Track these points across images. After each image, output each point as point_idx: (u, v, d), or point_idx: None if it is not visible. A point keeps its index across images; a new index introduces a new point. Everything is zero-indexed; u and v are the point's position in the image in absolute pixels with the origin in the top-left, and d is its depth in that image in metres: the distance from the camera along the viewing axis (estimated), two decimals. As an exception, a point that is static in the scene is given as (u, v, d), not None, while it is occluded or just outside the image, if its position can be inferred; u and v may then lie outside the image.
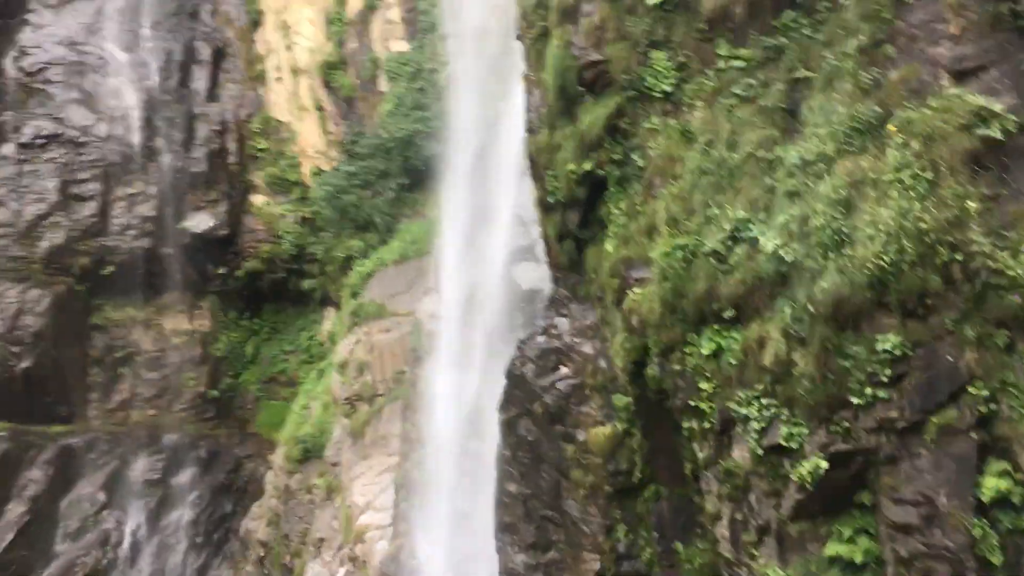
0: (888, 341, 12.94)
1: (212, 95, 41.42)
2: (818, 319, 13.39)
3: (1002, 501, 12.47)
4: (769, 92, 15.36)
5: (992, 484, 12.42)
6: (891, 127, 13.81)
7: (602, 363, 18.29)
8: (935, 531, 12.54)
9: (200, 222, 39.80)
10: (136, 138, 39.45)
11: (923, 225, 12.81)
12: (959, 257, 12.75)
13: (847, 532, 13.63)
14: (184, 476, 39.10)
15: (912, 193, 13.14)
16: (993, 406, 12.62)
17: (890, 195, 13.31)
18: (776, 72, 15.47)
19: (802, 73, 15.10)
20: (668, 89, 16.57)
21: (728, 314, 14.54)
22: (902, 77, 13.93)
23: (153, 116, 39.96)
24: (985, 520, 12.43)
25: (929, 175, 13.17)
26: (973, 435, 12.62)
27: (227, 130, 41.05)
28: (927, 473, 12.70)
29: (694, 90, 16.31)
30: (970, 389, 12.65)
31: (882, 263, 12.90)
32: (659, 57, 16.69)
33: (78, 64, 39.78)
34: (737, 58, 15.84)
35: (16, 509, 35.59)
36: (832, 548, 13.66)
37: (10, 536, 34.89)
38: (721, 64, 16.00)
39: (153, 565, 37.44)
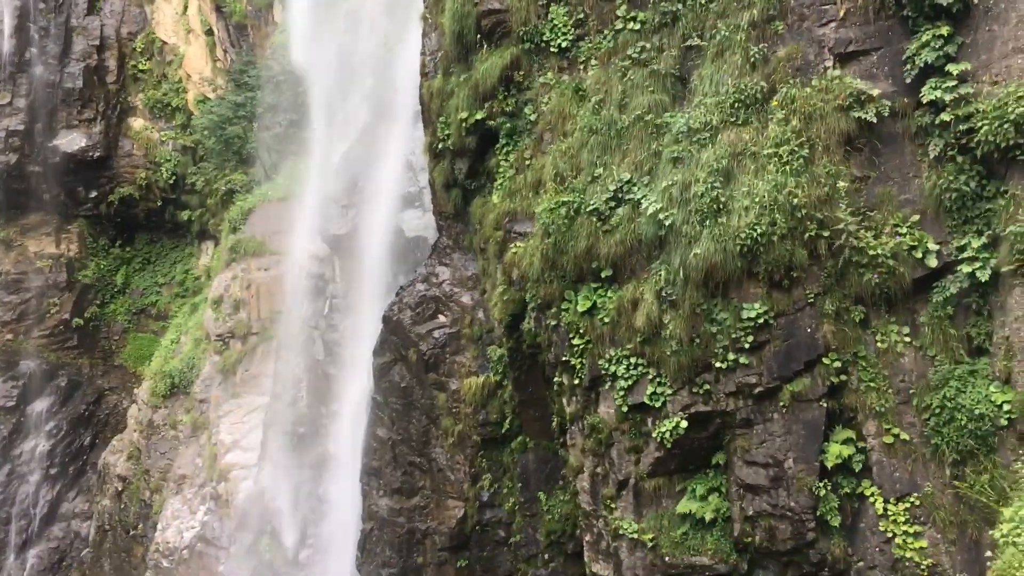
0: (753, 310, 13.43)
1: (92, 8, 39.10)
2: (690, 284, 13.77)
3: (844, 467, 13.23)
4: (662, 57, 15.52)
5: (836, 451, 13.13)
6: (775, 103, 14.21)
7: (480, 314, 18.37)
8: (781, 492, 13.19)
9: (72, 141, 37.72)
10: (6, 46, 36.96)
11: (795, 200, 13.28)
12: (826, 233, 13.31)
13: (700, 490, 14.20)
14: (41, 404, 37.52)
15: (788, 168, 13.59)
16: (844, 377, 13.32)
17: (768, 169, 13.74)
18: (671, 38, 15.63)
19: (695, 42, 15.30)
20: (565, 45, 16.55)
21: (605, 273, 14.78)
22: (789, 54, 14.31)
23: (26, 24, 37.48)
24: (828, 483, 13.17)
25: (806, 152, 13.65)
26: (823, 403, 13.29)
27: (107, 46, 38.89)
28: (778, 437, 13.31)
29: (590, 48, 16.34)
30: (824, 360, 13.30)
31: (754, 234, 13.33)
32: (558, 12, 16.63)
33: (-56, -40, 36.92)
34: (634, 20, 15.92)
35: None
36: (685, 505, 14.21)
37: None
38: (619, 25, 16.06)
39: (2, 493, 35.95)
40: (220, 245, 34.01)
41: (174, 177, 38.60)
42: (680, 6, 15.61)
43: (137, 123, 39.47)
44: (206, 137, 35.59)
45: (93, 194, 38.65)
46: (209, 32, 39.10)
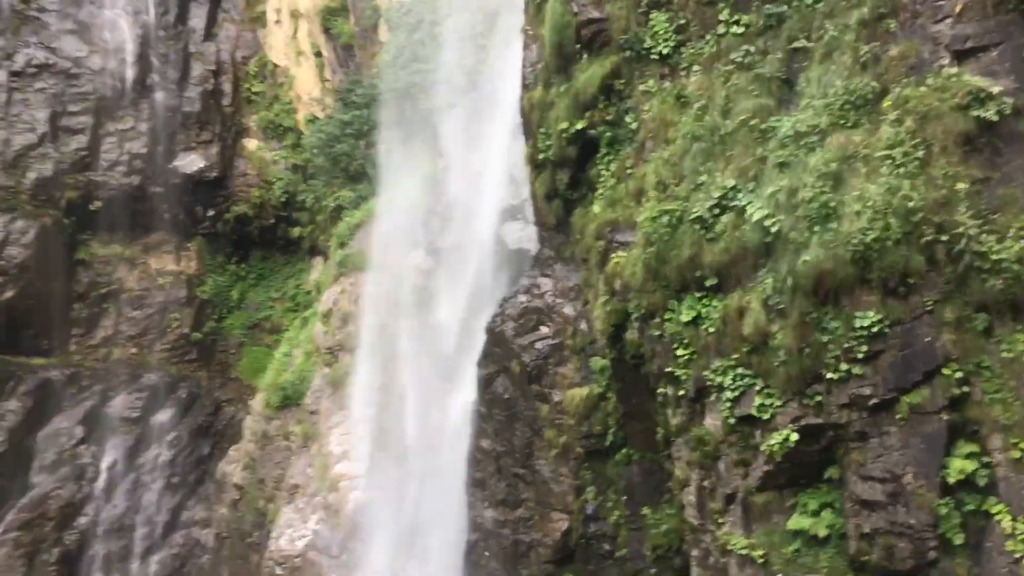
0: (867, 318, 12.91)
1: (209, 34, 40.79)
2: (799, 292, 13.35)
3: (967, 483, 12.53)
4: (767, 60, 15.18)
5: (959, 466, 12.47)
6: (887, 103, 13.68)
7: (582, 325, 18.26)
8: (899, 508, 12.61)
9: (191, 162, 39.33)
10: (130, 73, 38.84)
11: (911, 204, 12.73)
12: (944, 238, 12.70)
13: (812, 505, 13.71)
14: (163, 416, 39.04)
15: (902, 171, 13.05)
16: (966, 388, 12.64)
17: (880, 172, 13.22)
18: (776, 40, 15.27)
19: (802, 43, 14.91)
20: (666, 52, 16.36)
21: (710, 282, 14.48)
22: (902, 53, 13.77)
23: (148, 51, 39.34)
24: (950, 500, 12.52)
25: (921, 154, 13.07)
26: (944, 416, 12.65)
27: (223, 71, 40.47)
28: (896, 451, 12.73)
29: (692, 54, 16.10)
30: (944, 370, 12.66)
31: (867, 239, 12.83)
32: (659, 19, 16.45)
33: (74, -6, 39.09)
34: (738, 24, 15.63)
35: (-8, 439, 35.54)
36: (796, 521, 13.74)
37: (-15, 465, 34.89)
38: (721, 29, 15.78)
39: (128, 501, 37.50)
40: (329, 260, 34.86)
41: (286, 195, 39.83)
42: (785, 7, 15.24)
43: (251, 144, 40.91)
44: (315, 155, 36.62)
45: (210, 213, 40.19)
46: (318, 54, 40.31)
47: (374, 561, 25.56)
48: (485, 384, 19.19)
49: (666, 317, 14.84)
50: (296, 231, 39.87)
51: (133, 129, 38.83)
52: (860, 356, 12.90)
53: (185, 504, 38.49)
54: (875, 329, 12.84)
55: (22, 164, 37.26)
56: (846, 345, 13.00)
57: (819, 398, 13.24)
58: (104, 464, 37.51)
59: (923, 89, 13.30)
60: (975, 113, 12.92)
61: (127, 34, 39.22)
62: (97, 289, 39.24)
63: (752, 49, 15.32)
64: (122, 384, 38.51)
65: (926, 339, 12.74)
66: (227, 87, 40.60)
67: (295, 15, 40.69)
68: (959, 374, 12.63)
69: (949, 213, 12.74)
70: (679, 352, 14.66)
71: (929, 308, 12.76)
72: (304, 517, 29.45)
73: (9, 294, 36.57)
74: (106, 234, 38.99)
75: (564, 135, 17.48)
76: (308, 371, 32.30)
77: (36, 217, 37.29)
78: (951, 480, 12.48)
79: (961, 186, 12.83)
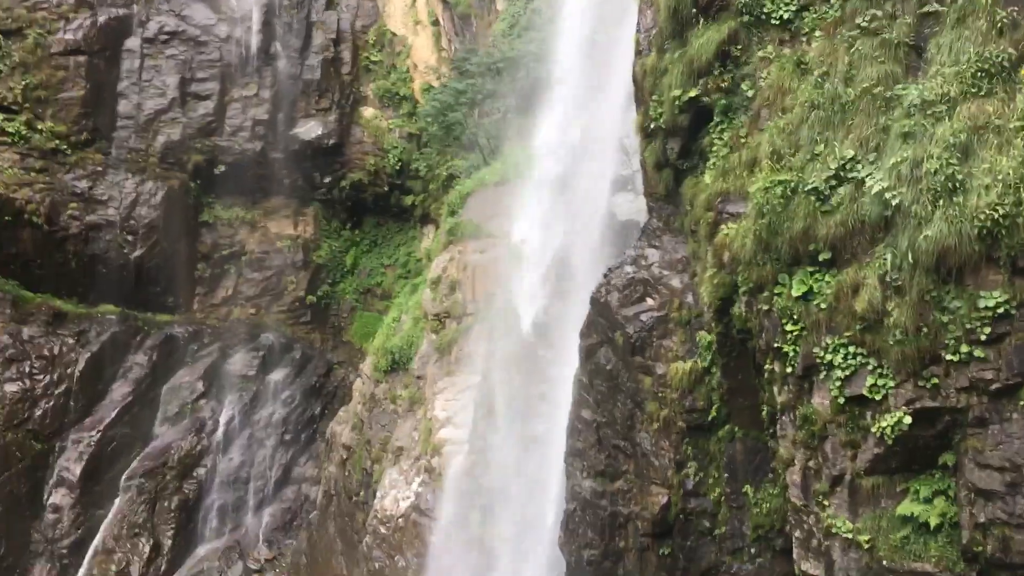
0: (992, 298, 12.21)
1: (331, 3, 41.59)
2: (919, 268, 12.72)
3: (1096, 476, 11.78)
4: (895, 25, 14.41)
5: (1088, 457, 11.72)
6: (1024, 71, 12.85)
7: (689, 298, 17.89)
8: (1019, 499, 11.93)
9: (310, 129, 40.34)
10: (254, 41, 40.02)
11: (1046, 177, 11.94)
12: (1082, 214, 11.88)
13: (924, 492, 13.11)
14: (278, 375, 40.39)
15: (1038, 142, 12.24)
16: (1099, 376, 11.85)
17: (1014, 144, 12.43)
18: (905, 4, 14.48)
19: (933, 7, 14.09)
20: (787, 16, 15.74)
21: (824, 256, 13.94)
22: (1043, 16, 12.88)
23: (272, 20, 40.42)
24: (1075, 494, 11.79)
25: (1060, 124, 12.24)
26: (1073, 404, 11.89)
27: (343, 39, 41.26)
28: (1017, 439, 12.04)
29: (814, 19, 15.45)
30: (1076, 356, 11.89)
31: (996, 215, 12.10)
32: (781, -18, 15.83)
33: (205, -38, 40.43)
34: (865, -13, 14.88)
35: (121, 389, 37.48)
36: (907, 507, 13.17)
37: (113, 413, 36.81)
38: (847, -8, 15.06)
39: (243, 456, 39.01)
40: (439, 228, 35.24)
41: (400, 163, 40.44)
42: (917, -31, 14.43)
43: (368, 112, 41.64)
44: (429, 124, 37.00)
45: (327, 179, 41.19)
46: (435, 23, 40.62)
47: (472, 525, 25.88)
48: (587, 354, 19.05)
49: (775, 291, 14.37)
50: (409, 199, 40.46)
51: (256, 96, 40.06)
52: (983, 338, 12.21)
53: (296, 461, 39.82)
54: (1001, 310, 12.13)
55: (152, 128, 38.96)
56: (968, 326, 12.33)
57: (936, 380, 12.62)
58: (223, 418, 39.09)
59: (1066, 55, 12.43)
60: (1124, 81, 12.00)
61: (253, 2, 40.38)
62: (219, 250, 40.83)
63: (879, 13, 14.58)
64: (240, 342, 40.05)
65: (1057, 322, 11.97)
66: (346, 55, 41.39)
67: (414, -16, 41.07)
68: (1092, 361, 11.84)
69: (1089, 188, 11.90)
70: (788, 328, 14.19)
71: (1062, 289, 11.98)
72: (408, 479, 30.03)
73: (138, 252, 38.41)
74: (229, 197, 40.49)
75: (676, 102, 17.06)
76: (416, 337, 32.82)
77: (164, 179, 38.99)
78: (1078, 473, 11.74)
79: (1104, 160, 11.96)
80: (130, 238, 38.17)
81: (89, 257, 37.67)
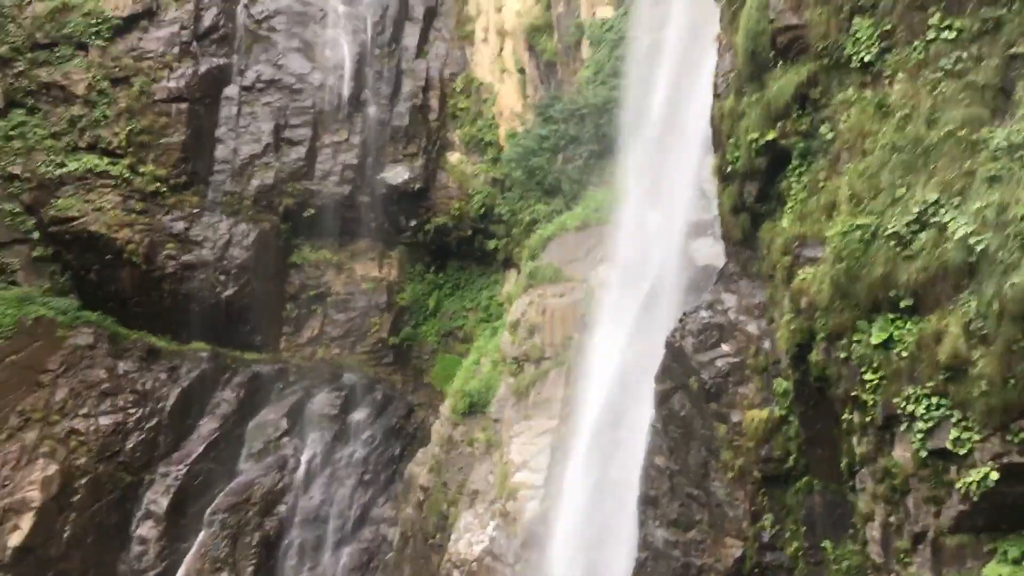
0: (1085, 348, 11.61)
1: (420, 52, 42.61)
2: (1006, 317, 12.19)
3: None
4: (981, 68, 14.00)
5: None
6: (1120, 112, 12.31)
7: (766, 344, 17.51)
8: (1115, 565, 11.20)
9: (397, 174, 41.15)
10: (346, 88, 41.18)
11: None
12: None
13: (1013, 553, 12.43)
14: (360, 415, 40.84)
15: None
16: None
17: (1107, 188, 11.89)
18: (992, 46, 14.06)
19: (1022, 48, 13.65)
20: (868, 59, 15.43)
21: (905, 303, 13.49)
22: None
23: (364, 68, 41.59)
24: None
25: None
26: None
27: (431, 87, 42.14)
28: (1113, 499, 11.34)
29: (897, 61, 15.11)
30: None
31: (1088, 261, 11.56)
32: (863, 24, 15.55)
33: (301, 14, 41.90)
34: (950, 28, 14.50)
35: (208, 425, 38.44)
36: (994, 569, 12.50)
37: (201, 448, 37.74)
38: (931, 34, 14.69)
39: (323, 494, 39.41)
40: (520, 272, 35.41)
41: (483, 208, 40.85)
42: (1005, 11, 14.00)
43: (454, 157, 42.31)
44: (512, 169, 37.36)
45: (412, 223, 41.85)
46: (521, 70, 41.19)
47: (547, 572, 25.53)
48: (662, 400, 18.77)
49: (854, 338, 13.95)
50: (492, 243, 40.77)
51: (347, 142, 41.12)
52: (1075, 391, 11.61)
53: (375, 501, 40.03)
54: (1094, 361, 11.53)
55: (247, 172, 40.31)
56: (1059, 377, 11.74)
57: (1024, 435, 12.02)
58: (304, 457, 39.64)
59: None
60: None
61: (346, 52, 41.67)
62: (307, 291, 41.76)
63: (964, 56, 14.19)
64: (324, 382, 40.69)
65: None
66: (434, 102, 42.22)
67: (501, 33, 41.79)
68: None
69: None
70: (867, 376, 13.73)
71: None
72: (483, 523, 29.89)
73: (230, 292, 39.56)
74: (317, 240, 41.48)
75: (754, 146, 16.86)
76: (494, 380, 32.87)
77: (257, 221, 40.20)
78: None
79: None
80: (222, 278, 39.36)
81: (183, 295, 38.99)
